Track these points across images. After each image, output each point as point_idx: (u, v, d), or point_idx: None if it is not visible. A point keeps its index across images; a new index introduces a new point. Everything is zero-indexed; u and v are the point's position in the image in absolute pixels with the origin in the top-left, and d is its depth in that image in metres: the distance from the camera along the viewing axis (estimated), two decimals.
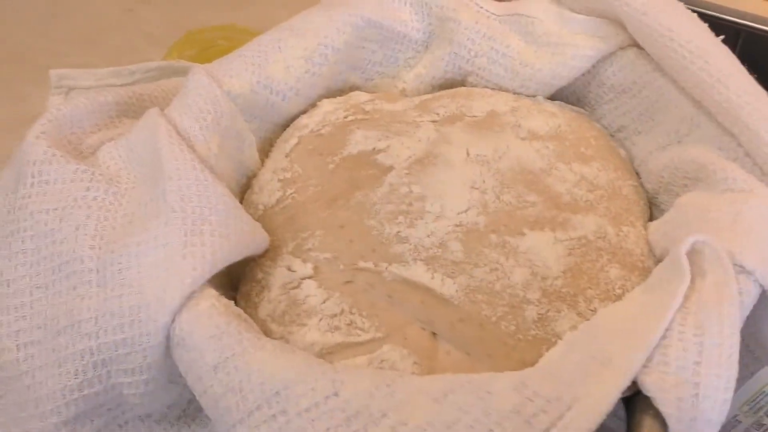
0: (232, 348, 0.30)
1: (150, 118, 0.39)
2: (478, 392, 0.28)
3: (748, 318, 0.32)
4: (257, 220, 0.38)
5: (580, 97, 0.47)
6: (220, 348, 0.30)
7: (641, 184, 0.42)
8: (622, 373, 0.27)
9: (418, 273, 0.35)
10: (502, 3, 0.48)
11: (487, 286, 0.35)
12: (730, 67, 0.38)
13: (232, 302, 0.33)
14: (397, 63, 0.49)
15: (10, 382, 0.33)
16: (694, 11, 0.42)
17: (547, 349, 0.33)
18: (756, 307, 0.32)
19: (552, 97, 0.47)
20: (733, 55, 0.39)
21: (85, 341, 0.32)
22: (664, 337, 0.29)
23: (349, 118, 0.44)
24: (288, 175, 0.41)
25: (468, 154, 0.40)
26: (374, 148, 0.41)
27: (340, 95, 0.48)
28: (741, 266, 0.32)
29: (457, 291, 0.34)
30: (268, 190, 0.41)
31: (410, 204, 0.38)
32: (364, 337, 0.34)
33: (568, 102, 0.47)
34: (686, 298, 0.30)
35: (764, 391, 0.34)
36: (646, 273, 0.36)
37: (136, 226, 0.34)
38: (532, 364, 0.32)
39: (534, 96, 0.46)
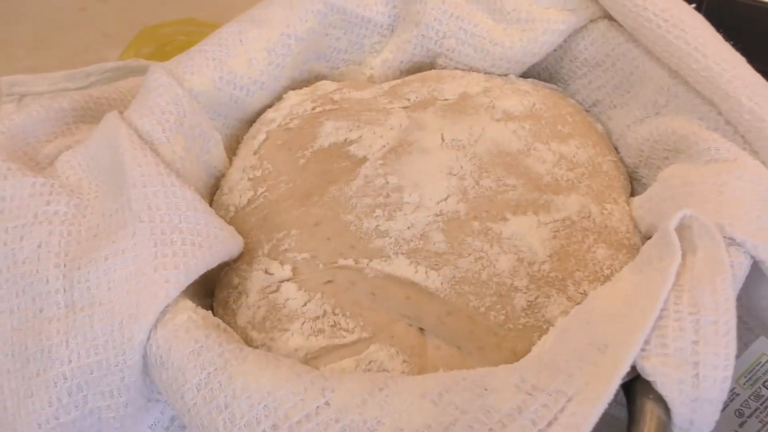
0: (214, 362, 0.28)
1: (109, 123, 0.37)
2: (474, 390, 0.27)
3: (740, 290, 0.31)
4: (229, 223, 0.37)
5: (552, 73, 0.46)
6: (201, 364, 0.28)
7: (621, 159, 0.42)
8: (621, 359, 0.26)
9: (401, 267, 0.34)
10: None
11: (472, 277, 0.33)
12: (707, 35, 0.37)
13: (210, 312, 0.32)
14: (362, 49, 0.48)
15: None
16: None
17: (539, 337, 0.32)
18: (748, 279, 0.32)
19: (524, 75, 0.46)
20: (708, 23, 0.38)
21: (57, 366, 0.30)
22: (659, 318, 0.28)
23: (318, 109, 0.42)
24: (258, 173, 0.40)
25: (443, 139, 0.39)
26: (346, 139, 0.40)
27: (306, 86, 0.46)
28: (731, 238, 0.31)
29: (442, 283, 0.33)
30: (238, 190, 0.40)
31: (387, 196, 0.36)
32: (350, 338, 0.33)
33: (540, 79, 0.46)
34: (678, 275, 0.29)
35: (760, 362, 0.34)
36: (633, 250, 0.36)
37: (102, 239, 0.32)
38: (524, 353, 0.31)
39: (506, 75, 0.45)
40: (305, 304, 0.34)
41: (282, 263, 0.35)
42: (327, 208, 0.36)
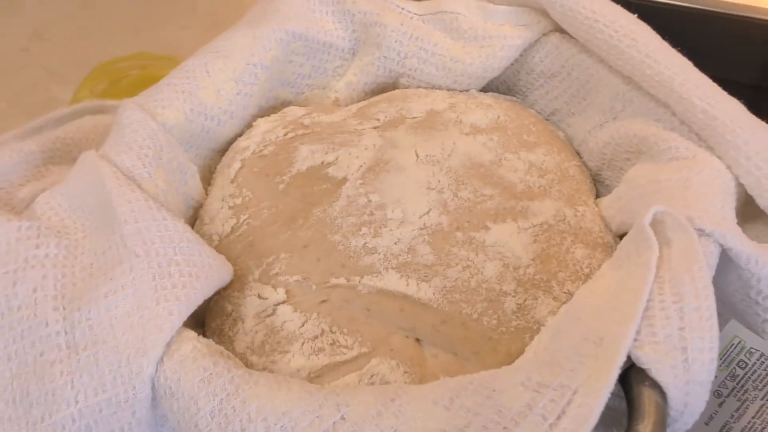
0: (225, 389, 0.29)
1: (88, 162, 0.37)
2: (483, 392, 0.28)
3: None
4: None
5: (510, 86, 0.48)
6: (213, 391, 0.29)
7: (584, 163, 0.44)
8: (618, 350, 0.28)
9: (393, 281, 0.35)
10: (423, 2, 0.48)
11: (462, 285, 0.35)
12: (655, 42, 0.40)
13: (211, 341, 0.32)
14: (326, 73, 0.49)
15: None
16: None
17: (531, 338, 0.34)
18: (716, 267, 0.34)
19: (483, 89, 0.48)
20: (654, 31, 0.41)
21: (63, 408, 0.30)
22: (646, 308, 0.30)
23: (290, 134, 0.43)
24: (238, 201, 0.40)
25: (417, 155, 0.40)
26: (323, 162, 0.41)
27: (273, 112, 0.47)
28: (700, 230, 0.33)
29: (434, 294, 0.35)
30: (219, 219, 0.40)
31: (371, 213, 0.37)
32: (350, 354, 0.33)
33: (499, 92, 0.48)
34: (657, 268, 0.31)
35: (733, 344, 0.36)
36: (607, 248, 0.38)
37: (98, 277, 0.32)
38: (519, 354, 0.32)
39: (467, 90, 0.47)
40: (303, 325, 0.34)
41: (275, 287, 0.36)
42: (314, 230, 0.37)
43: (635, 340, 0.29)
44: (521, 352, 0.32)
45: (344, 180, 0.39)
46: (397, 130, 0.42)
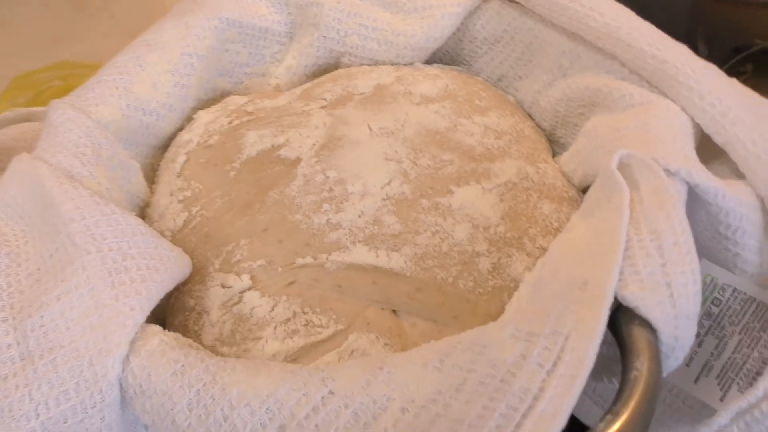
0: (201, 378, 0.27)
1: (23, 165, 0.34)
2: (474, 349, 0.27)
3: None
4: None
5: (454, 56, 0.48)
6: (188, 382, 0.27)
7: (537, 125, 0.43)
8: (604, 292, 0.27)
9: (361, 255, 0.34)
10: None
11: (434, 250, 0.34)
12: None
13: (178, 334, 0.30)
14: (263, 60, 0.48)
15: None
16: None
17: (509, 296, 0.33)
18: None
19: (427, 62, 0.47)
20: None
21: (23, 424, 0.27)
22: (625, 249, 0.29)
23: (235, 122, 0.42)
24: (188, 193, 0.38)
25: (370, 129, 0.39)
26: (273, 145, 0.39)
27: (213, 104, 0.45)
28: (666, 170, 0.33)
29: (406, 262, 0.33)
30: (170, 214, 0.38)
31: (331, 190, 0.36)
32: (326, 333, 0.32)
33: (443, 63, 0.48)
34: (630, 210, 0.30)
35: (706, 283, 0.36)
36: (573, 202, 0.37)
37: (47, 282, 0.30)
38: (498, 314, 0.31)
39: (411, 63, 0.46)
40: (273, 309, 0.33)
41: (238, 274, 0.34)
42: (272, 212, 0.36)
43: (619, 280, 0.28)
44: (501, 311, 0.31)
45: (298, 160, 0.38)
46: (346, 107, 0.41)
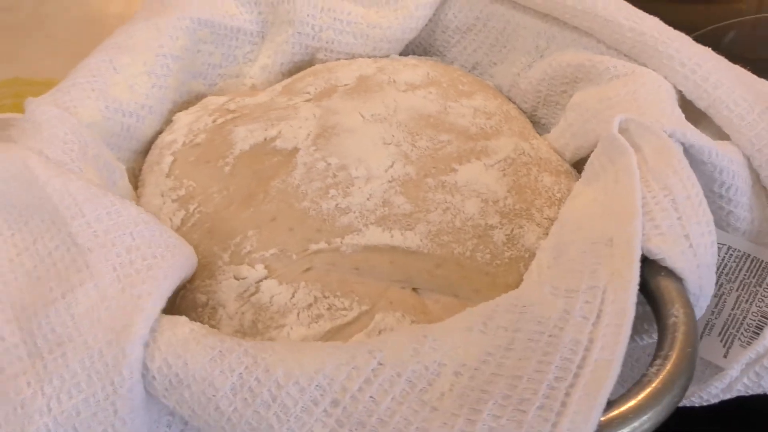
0: (242, 362, 0.26)
1: (8, 154, 0.32)
2: (515, 310, 0.27)
3: None
4: None
5: (426, 47, 0.48)
6: (229, 367, 0.26)
7: (518, 106, 0.44)
8: (632, 245, 0.28)
9: (376, 236, 0.33)
10: None
11: (447, 226, 0.34)
12: None
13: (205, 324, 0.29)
14: (236, 60, 0.47)
15: None
16: None
17: (525, 266, 0.33)
18: None
19: (401, 54, 0.47)
20: None
21: (36, 419, 0.26)
22: (641, 206, 0.30)
23: (219, 120, 0.41)
24: (181, 192, 0.37)
25: (362, 116, 0.39)
26: (266, 138, 0.38)
27: (189, 107, 0.44)
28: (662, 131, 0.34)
29: (421, 240, 0.33)
30: (165, 213, 0.37)
31: (335, 176, 0.36)
32: (351, 315, 0.31)
33: (416, 55, 0.48)
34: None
35: None
36: (569, 174, 0.38)
37: (49, 281, 0.28)
38: (516, 284, 0.32)
39: (387, 56, 0.46)
40: (293, 296, 0.32)
41: (251, 264, 0.33)
42: (277, 201, 0.35)
43: (642, 234, 0.29)
44: (519, 282, 0.32)
45: (296, 150, 0.37)
46: (332, 98, 0.41)
